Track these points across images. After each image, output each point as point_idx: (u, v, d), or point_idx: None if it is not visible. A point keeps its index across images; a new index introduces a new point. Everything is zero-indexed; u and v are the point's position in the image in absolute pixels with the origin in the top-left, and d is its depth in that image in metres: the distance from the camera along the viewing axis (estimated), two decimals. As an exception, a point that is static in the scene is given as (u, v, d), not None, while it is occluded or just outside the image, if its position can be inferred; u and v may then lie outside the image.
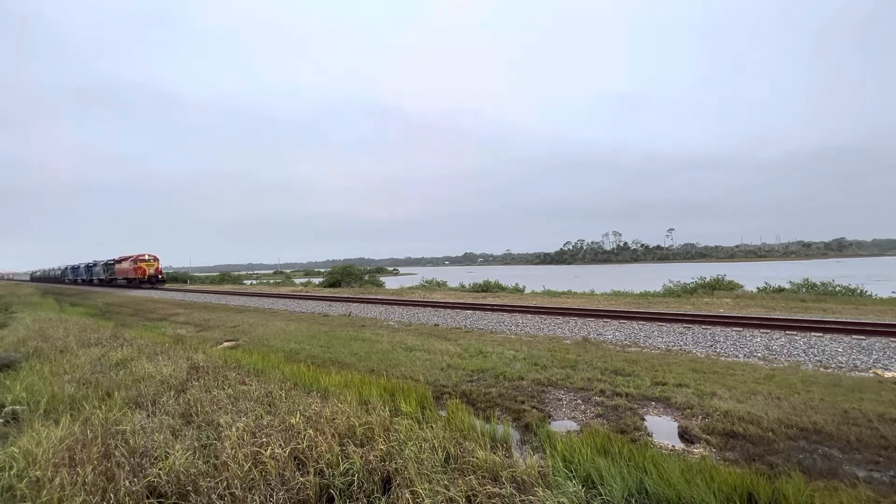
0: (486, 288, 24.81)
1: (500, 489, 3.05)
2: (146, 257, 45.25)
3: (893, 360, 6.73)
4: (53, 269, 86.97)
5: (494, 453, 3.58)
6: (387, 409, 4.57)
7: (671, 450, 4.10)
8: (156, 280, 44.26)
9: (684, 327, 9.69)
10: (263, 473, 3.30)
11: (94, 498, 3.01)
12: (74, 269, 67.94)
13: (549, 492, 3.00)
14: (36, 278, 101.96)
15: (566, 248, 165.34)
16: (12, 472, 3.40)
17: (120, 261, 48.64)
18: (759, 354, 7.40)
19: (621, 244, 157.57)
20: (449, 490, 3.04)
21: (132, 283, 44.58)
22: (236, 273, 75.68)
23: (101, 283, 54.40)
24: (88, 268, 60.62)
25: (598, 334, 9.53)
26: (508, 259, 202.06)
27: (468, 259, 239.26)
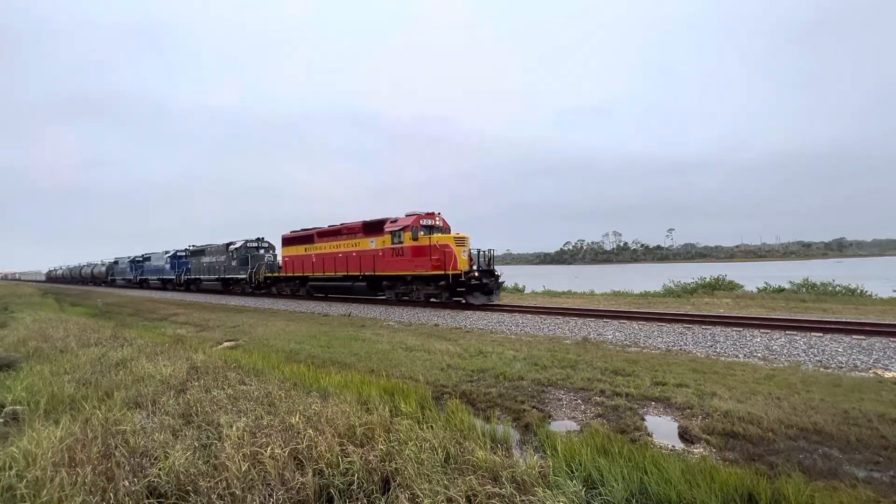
0: (486, 288, 24.72)
1: (501, 489, 3.05)
2: (434, 220, 16.27)
3: (893, 360, 6.72)
4: (90, 265, 58.98)
5: (494, 453, 3.58)
6: (387, 409, 4.56)
7: (671, 450, 4.10)
8: (487, 285, 14.61)
9: (684, 327, 9.68)
10: (263, 473, 3.29)
11: (94, 498, 3.00)
12: (137, 263, 42.13)
13: (550, 492, 3.00)
14: (55, 278, 79.05)
15: (566, 248, 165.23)
16: (12, 472, 3.39)
17: (328, 234, 19.71)
18: (759, 354, 7.39)
19: (621, 244, 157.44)
20: (449, 490, 3.03)
21: (413, 294, 16.31)
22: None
23: (231, 287, 27.04)
24: (178, 260, 33.95)
25: (598, 334, 9.52)
26: (508, 259, 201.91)
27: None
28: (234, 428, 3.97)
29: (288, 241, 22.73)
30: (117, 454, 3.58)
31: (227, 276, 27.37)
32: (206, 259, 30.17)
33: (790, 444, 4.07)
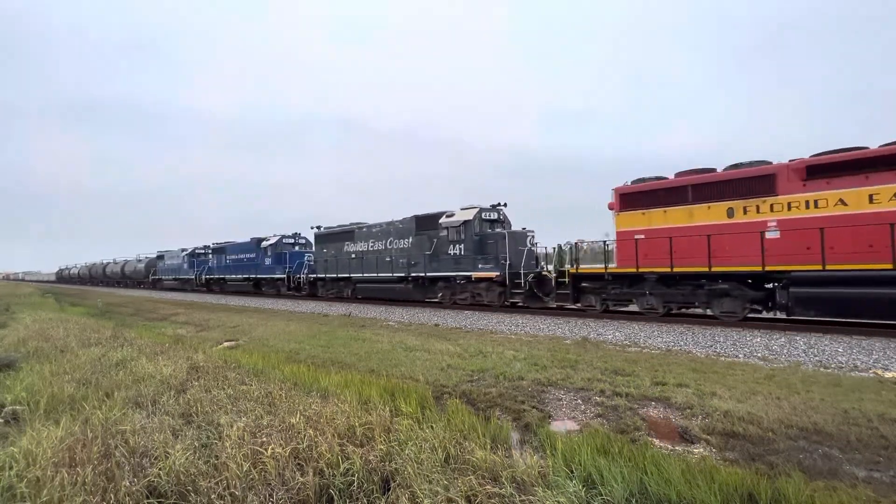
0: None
1: (500, 489, 3.04)
2: None
3: (893, 360, 6.72)
4: (118, 262, 49.20)
5: (494, 453, 3.57)
6: (387, 408, 4.56)
7: (671, 450, 4.10)
8: None
9: (684, 327, 9.69)
10: (263, 473, 3.29)
11: (94, 498, 3.00)
12: (198, 258, 31.52)
13: (550, 492, 2.99)
14: (69, 279, 70.83)
15: (566, 249, 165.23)
16: (12, 472, 3.39)
17: (831, 168, 8.07)
18: (759, 354, 7.39)
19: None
20: (449, 490, 3.03)
21: None
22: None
23: (456, 295, 14.71)
24: (289, 252, 22.59)
25: (598, 334, 9.52)
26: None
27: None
28: (234, 428, 3.97)
29: (637, 199, 11.43)
30: (117, 454, 3.58)
31: (456, 273, 14.61)
32: (357, 247, 18.12)
33: (790, 443, 4.07)
